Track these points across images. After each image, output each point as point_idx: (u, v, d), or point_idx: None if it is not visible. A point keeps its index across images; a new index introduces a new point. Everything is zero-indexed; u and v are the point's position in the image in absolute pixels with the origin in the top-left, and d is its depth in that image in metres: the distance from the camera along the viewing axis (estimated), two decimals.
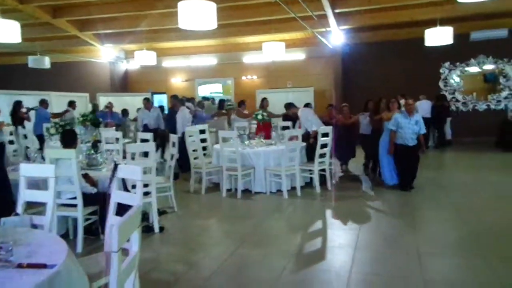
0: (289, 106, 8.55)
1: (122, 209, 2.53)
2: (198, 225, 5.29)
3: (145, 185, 4.66)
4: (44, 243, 2.14)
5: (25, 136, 8.79)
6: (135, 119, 11.22)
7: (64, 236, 4.48)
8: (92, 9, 10.60)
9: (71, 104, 11.02)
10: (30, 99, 10.99)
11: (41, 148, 6.67)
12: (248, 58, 14.65)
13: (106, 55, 14.96)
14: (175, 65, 15.58)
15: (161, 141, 9.31)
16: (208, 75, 15.35)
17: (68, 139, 4.62)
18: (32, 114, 10.52)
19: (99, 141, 6.79)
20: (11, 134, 8.33)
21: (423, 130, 6.63)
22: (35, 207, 3.67)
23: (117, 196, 2.87)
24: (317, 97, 12.83)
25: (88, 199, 4.26)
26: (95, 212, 4.39)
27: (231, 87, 15.31)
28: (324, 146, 6.69)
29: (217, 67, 15.18)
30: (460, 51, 12.15)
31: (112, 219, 2.76)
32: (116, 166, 3.16)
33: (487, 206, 5.77)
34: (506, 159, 9.81)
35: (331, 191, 6.83)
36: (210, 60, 15.10)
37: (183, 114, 8.81)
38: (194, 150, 6.96)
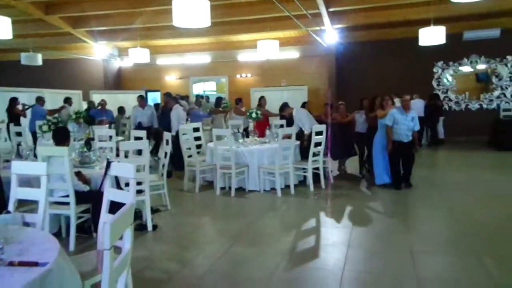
0: (283, 107, 8.54)
1: (115, 207, 2.52)
2: (191, 223, 5.28)
3: (139, 183, 4.65)
4: (36, 241, 2.12)
5: (18, 134, 8.69)
6: (129, 117, 11.19)
7: (57, 234, 4.46)
8: (85, 5, 10.52)
9: (67, 100, 10.95)
10: (23, 96, 10.92)
11: (35, 146, 6.62)
12: (243, 56, 14.64)
13: (99, 52, 14.86)
14: (169, 62, 15.52)
15: (156, 139, 9.31)
16: (203, 73, 15.32)
17: (61, 137, 4.59)
18: (28, 111, 10.47)
19: (92, 139, 6.76)
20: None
21: (418, 127, 6.68)
22: (27, 205, 3.64)
23: (110, 194, 2.86)
24: (311, 96, 12.85)
25: (80, 197, 4.23)
26: (87, 210, 4.35)
27: (225, 85, 15.30)
28: (318, 144, 6.70)
29: (211, 65, 15.15)
30: (453, 51, 12.24)
31: (105, 217, 2.75)
32: (109, 163, 3.15)
33: (480, 204, 5.82)
34: (498, 158, 9.90)
35: (325, 189, 6.86)
36: (205, 58, 15.06)
37: (178, 112, 8.78)
38: (188, 148, 6.94)
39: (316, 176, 6.92)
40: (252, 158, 6.69)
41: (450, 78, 13.14)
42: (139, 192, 4.67)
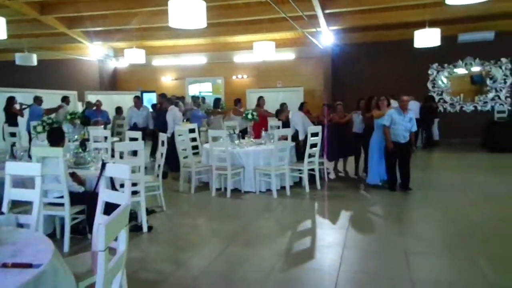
0: (279, 112, 8.54)
1: (110, 208, 2.50)
2: (187, 224, 5.27)
3: (134, 184, 4.63)
4: (29, 243, 2.11)
5: (12, 134, 8.64)
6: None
7: (51, 235, 4.43)
8: (80, 6, 10.48)
9: (65, 99, 10.89)
10: (17, 97, 10.82)
11: (30, 146, 6.58)
12: (239, 57, 14.64)
13: (95, 52, 14.81)
14: (165, 63, 15.50)
15: (153, 140, 9.29)
16: (198, 74, 15.30)
17: (55, 137, 4.56)
18: (26, 110, 10.41)
19: (87, 140, 6.73)
20: None
21: (415, 128, 6.68)
22: (21, 206, 3.62)
23: (105, 195, 2.84)
24: (307, 97, 12.85)
25: (75, 198, 4.21)
26: (82, 211, 4.33)
27: (221, 86, 15.29)
28: (313, 146, 6.71)
29: (207, 66, 15.14)
30: (448, 53, 12.32)
31: (99, 218, 2.73)
32: (104, 164, 3.13)
33: (475, 206, 5.85)
34: (492, 159, 9.96)
35: (321, 190, 6.86)
36: (201, 59, 15.05)
37: (174, 113, 8.76)
38: (183, 149, 6.92)
39: (311, 177, 6.93)
40: (247, 159, 6.69)
41: (445, 80, 13.21)
42: (134, 193, 4.65)
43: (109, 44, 14.70)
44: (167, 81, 15.66)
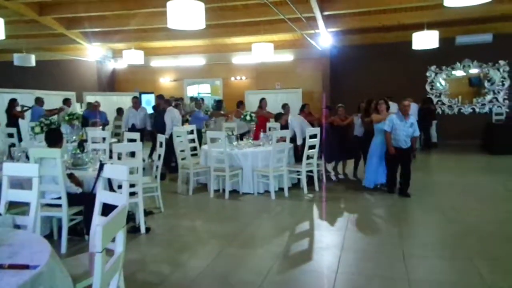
0: (279, 115, 8.53)
1: (108, 209, 2.50)
2: (185, 226, 5.26)
3: (132, 185, 4.62)
4: (26, 244, 2.10)
5: (10, 135, 8.61)
6: None
7: (48, 236, 4.43)
8: (79, 7, 10.46)
9: (66, 101, 10.87)
10: (15, 97, 10.81)
11: None
12: (237, 59, 14.64)
13: (93, 53, 14.79)
14: (164, 64, 15.49)
15: (153, 141, 9.28)
16: (197, 75, 15.29)
17: (53, 138, 4.55)
18: (27, 112, 10.42)
19: (85, 141, 6.72)
20: None
21: (417, 133, 6.58)
22: (18, 207, 3.60)
23: (102, 196, 2.84)
24: (305, 99, 12.86)
25: (73, 199, 4.20)
26: (80, 212, 4.33)
27: (219, 87, 15.29)
28: (311, 147, 6.71)
29: (205, 68, 15.13)
30: (446, 55, 12.35)
31: (97, 220, 2.73)
32: (102, 165, 3.13)
33: (473, 208, 5.85)
34: (490, 161, 9.98)
35: (319, 192, 6.86)
36: (199, 60, 15.05)
37: (172, 114, 8.75)
38: (181, 151, 6.92)
39: (310, 179, 6.93)
40: (246, 161, 6.69)
41: (443, 82, 13.23)
42: (132, 194, 4.64)
43: (107, 45, 14.69)
44: (166, 82, 15.65)
